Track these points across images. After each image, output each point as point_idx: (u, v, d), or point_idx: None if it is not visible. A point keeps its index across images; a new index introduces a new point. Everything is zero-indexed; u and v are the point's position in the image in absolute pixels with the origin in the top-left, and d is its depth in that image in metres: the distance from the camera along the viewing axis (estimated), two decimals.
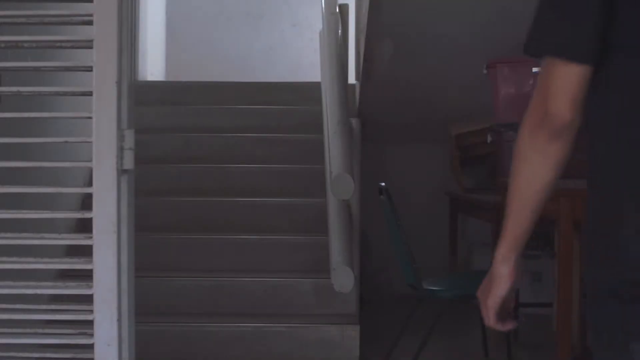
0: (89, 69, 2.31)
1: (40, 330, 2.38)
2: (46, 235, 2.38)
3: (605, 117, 1.48)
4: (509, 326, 1.69)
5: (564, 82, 1.48)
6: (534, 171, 1.54)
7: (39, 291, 2.39)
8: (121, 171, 2.33)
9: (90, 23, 2.31)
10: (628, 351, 1.39)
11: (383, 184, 4.10)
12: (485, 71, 5.11)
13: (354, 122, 5.00)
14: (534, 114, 1.55)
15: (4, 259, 2.37)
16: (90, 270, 2.31)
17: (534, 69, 4.94)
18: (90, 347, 2.31)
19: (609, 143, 1.48)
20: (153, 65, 7.92)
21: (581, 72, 1.46)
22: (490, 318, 1.67)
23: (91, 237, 2.31)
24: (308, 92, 6.21)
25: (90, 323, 2.31)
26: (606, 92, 1.47)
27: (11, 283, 2.37)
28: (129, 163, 2.34)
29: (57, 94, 2.65)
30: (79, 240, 2.39)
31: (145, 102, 5.80)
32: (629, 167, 1.44)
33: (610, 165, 1.47)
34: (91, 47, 2.30)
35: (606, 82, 1.47)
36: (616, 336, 1.42)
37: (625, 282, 1.40)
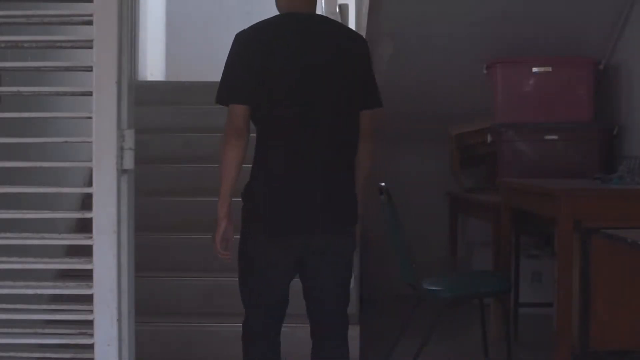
0: (89, 69, 2.31)
1: (40, 330, 2.38)
2: (46, 235, 2.38)
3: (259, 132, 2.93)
4: (228, 255, 3.03)
5: (237, 112, 2.86)
6: (231, 157, 2.86)
7: (39, 291, 2.39)
8: (121, 171, 2.33)
9: (90, 23, 2.31)
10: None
11: (383, 184, 4.10)
12: (485, 71, 5.11)
13: None
14: (227, 130, 2.87)
15: (4, 259, 2.37)
16: (90, 270, 2.31)
17: (534, 69, 4.95)
18: (90, 347, 2.31)
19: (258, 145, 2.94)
20: (153, 65, 7.93)
21: (243, 108, 2.86)
22: (216, 247, 3.04)
23: (91, 237, 2.31)
24: None
25: (90, 323, 2.31)
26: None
27: (11, 283, 2.37)
28: (129, 163, 2.35)
29: (57, 94, 2.64)
30: (79, 240, 2.39)
31: (145, 102, 5.80)
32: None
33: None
34: (91, 47, 2.30)
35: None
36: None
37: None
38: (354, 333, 4.32)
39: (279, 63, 2.82)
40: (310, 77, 2.83)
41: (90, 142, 2.31)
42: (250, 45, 2.85)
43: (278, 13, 3.00)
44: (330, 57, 2.86)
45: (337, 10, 5.58)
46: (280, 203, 2.88)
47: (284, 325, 4.35)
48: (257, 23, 2.94)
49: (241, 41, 2.88)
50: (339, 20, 5.57)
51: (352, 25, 6.01)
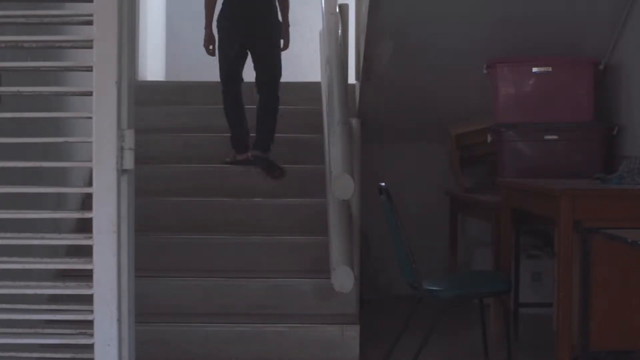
0: (89, 69, 2.31)
1: (40, 330, 2.38)
2: (46, 235, 2.38)
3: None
4: (212, 51, 5.62)
5: None
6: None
7: (39, 291, 2.39)
8: (121, 171, 2.33)
9: (90, 23, 2.30)
10: None
11: (383, 184, 4.10)
12: (485, 71, 5.11)
13: (354, 122, 5.00)
14: None
15: (4, 259, 2.37)
16: (90, 270, 2.31)
17: (534, 69, 4.95)
18: (90, 347, 2.31)
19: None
20: (153, 65, 7.92)
21: None
22: (207, 48, 5.59)
23: (91, 237, 2.31)
24: (308, 92, 6.21)
25: (90, 323, 2.31)
26: None
27: (11, 283, 2.36)
28: (129, 163, 2.34)
29: (57, 94, 2.65)
30: (79, 240, 2.39)
31: (145, 102, 5.80)
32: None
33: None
34: (91, 47, 2.30)
35: None
36: None
37: None
38: (354, 333, 4.33)
39: None
40: None
41: (90, 142, 2.31)
42: None
43: None
44: None
45: (337, 10, 5.58)
46: (232, 20, 5.37)
47: (283, 325, 4.41)
48: None
49: None
50: (339, 21, 5.58)
51: (352, 25, 6.02)
